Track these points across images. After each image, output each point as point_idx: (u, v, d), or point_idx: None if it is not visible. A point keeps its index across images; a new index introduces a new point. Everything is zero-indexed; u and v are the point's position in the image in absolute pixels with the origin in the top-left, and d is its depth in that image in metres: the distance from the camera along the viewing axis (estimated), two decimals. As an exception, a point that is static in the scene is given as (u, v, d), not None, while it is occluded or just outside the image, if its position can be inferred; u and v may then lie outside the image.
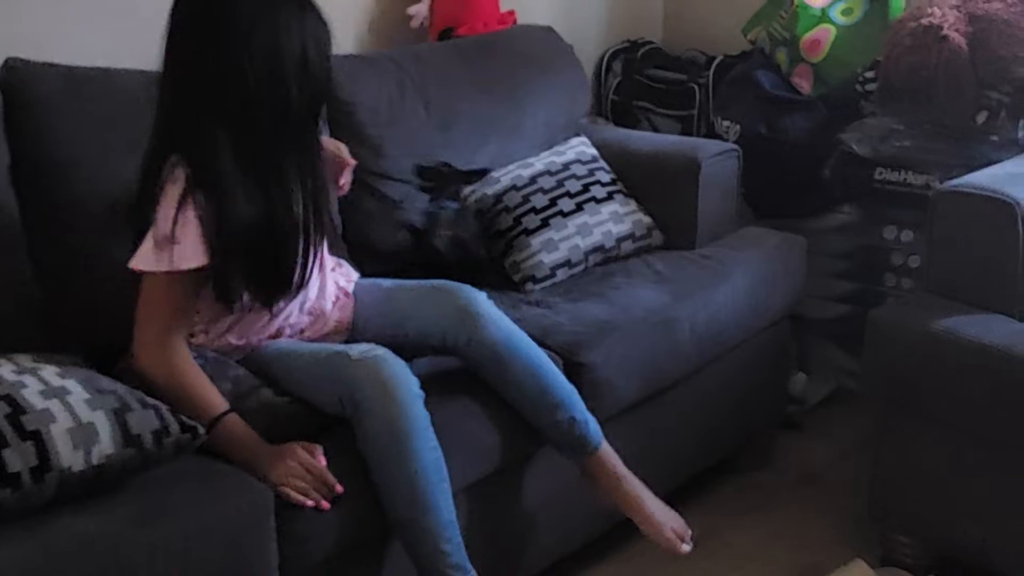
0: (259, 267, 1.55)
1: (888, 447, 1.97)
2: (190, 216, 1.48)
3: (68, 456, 1.29)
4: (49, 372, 1.39)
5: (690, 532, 1.75)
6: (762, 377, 2.32)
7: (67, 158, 1.74)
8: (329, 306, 1.76)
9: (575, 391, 1.74)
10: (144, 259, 1.50)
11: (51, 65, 1.79)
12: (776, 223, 2.49)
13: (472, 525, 1.66)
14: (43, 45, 1.85)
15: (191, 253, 1.48)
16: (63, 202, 1.73)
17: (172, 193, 1.49)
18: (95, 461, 1.31)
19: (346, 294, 1.81)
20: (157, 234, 1.49)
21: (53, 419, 1.31)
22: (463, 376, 1.73)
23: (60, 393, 1.35)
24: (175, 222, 1.48)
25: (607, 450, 1.74)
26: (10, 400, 1.31)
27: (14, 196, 1.71)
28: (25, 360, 1.45)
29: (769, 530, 2.18)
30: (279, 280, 1.58)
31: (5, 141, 1.71)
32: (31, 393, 1.33)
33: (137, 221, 1.55)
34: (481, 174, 2.26)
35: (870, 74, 2.51)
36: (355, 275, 1.87)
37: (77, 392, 1.36)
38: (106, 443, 1.33)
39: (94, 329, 1.71)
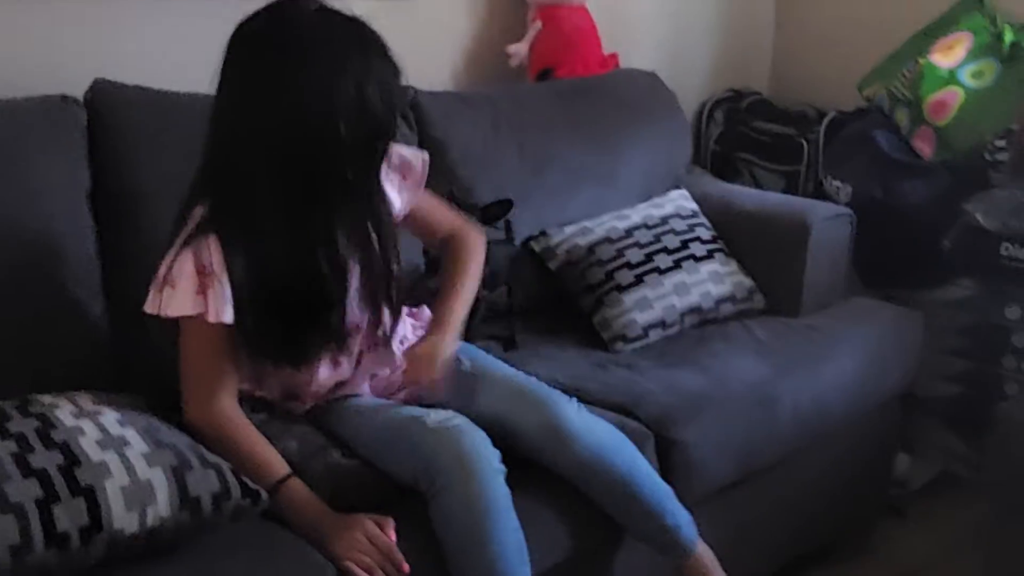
0: (286, 323, 1.42)
1: (1006, 554, 1.78)
2: (187, 262, 1.37)
3: (121, 517, 1.20)
4: (109, 418, 1.30)
5: None
6: (866, 461, 2.15)
7: (149, 188, 1.67)
8: (399, 372, 1.60)
9: (669, 493, 1.59)
10: (148, 301, 1.41)
11: (141, 88, 1.74)
12: (887, 293, 2.32)
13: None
14: (128, 65, 1.79)
15: (182, 301, 1.38)
16: (141, 234, 1.66)
17: (186, 231, 1.40)
18: (149, 524, 1.22)
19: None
20: (158, 274, 1.40)
21: (109, 474, 1.21)
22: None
23: (119, 444, 1.25)
24: (170, 266, 1.38)
25: (703, 554, 1.60)
26: (66, 449, 1.22)
27: (92, 223, 1.65)
28: (86, 401, 1.36)
29: (866, 632, 2.00)
30: (300, 340, 1.44)
31: (87, 165, 1.65)
32: (88, 442, 1.24)
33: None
34: (504, 206, 1.99)
35: (1000, 142, 2.34)
36: (427, 314, 1.72)
37: (136, 444, 1.26)
38: (162, 505, 1.23)
39: (162, 369, 1.62)
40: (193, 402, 1.44)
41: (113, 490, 1.20)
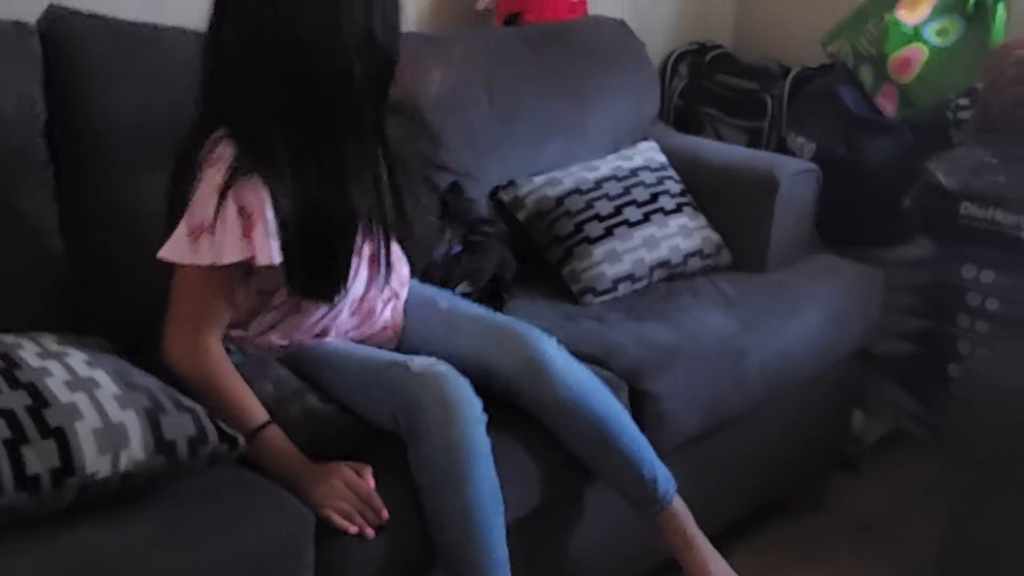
0: (308, 260, 1.40)
1: (964, 509, 1.82)
2: (231, 206, 1.33)
3: (93, 460, 1.15)
4: (77, 359, 1.25)
5: None
6: (825, 416, 2.18)
7: (108, 122, 1.60)
8: (379, 304, 1.61)
9: (646, 444, 1.59)
10: (176, 250, 1.35)
11: (96, 17, 1.65)
12: (845, 250, 2.34)
13: (516, 561, 1.51)
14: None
15: (231, 247, 1.33)
16: (102, 171, 1.59)
17: (213, 177, 1.34)
18: (122, 468, 1.17)
19: (396, 296, 1.66)
20: (192, 222, 1.34)
21: (80, 416, 1.16)
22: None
23: (88, 386, 1.20)
24: (216, 212, 1.32)
25: (678, 508, 1.60)
26: (32, 390, 1.17)
27: (48, 157, 1.57)
28: (50, 342, 1.30)
29: (821, 582, 2.03)
30: (329, 276, 1.43)
31: (43, 97, 1.57)
32: (56, 383, 1.19)
33: (171, 202, 1.40)
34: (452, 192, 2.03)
35: (964, 101, 2.35)
36: (406, 272, 1.71)
37: (107, 385, 1.21)
38: (136, 448, 1.18)
39: (126, 310, 1.57)
40: (181, 346, 1.38)
41: (84, 432, 1.15)
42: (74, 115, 1.59)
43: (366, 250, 1.52)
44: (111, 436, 1.16)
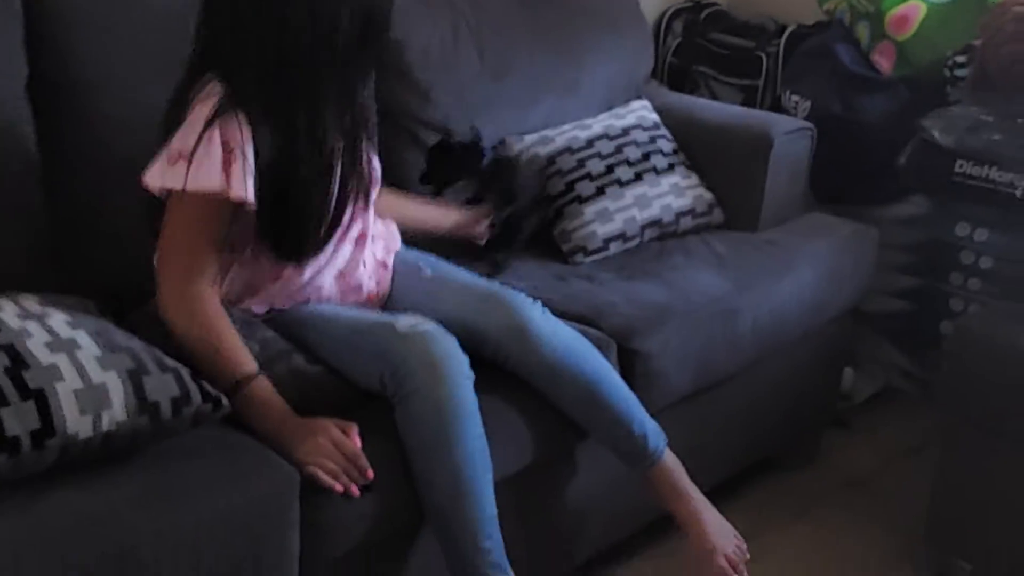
0: (278, 213, 1.39)
1: (955, 466, 1.82)
2: (215, 137, 1.32)
3: (75, 421, 1.14)
4: (58, 320, 1.23)
5: (747, 556, 1.59)
6: (818, 374, 2.17)
7: (91, 78, 1.58)
8: (365, 279, 1.59)
9: (635, 401, 1.58)
10: (154, 175, 1.35)
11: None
12: (839, 209, 2.32)
13: (507, 518, 1.51)
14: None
15: (207, 174, 1.32)
16: (84, 127, 1.56)
17: (201, 111, 1.34)
18: (104, 428, 1.16)
19: (384, 266, 1.64)
20: (172, 149, 1.34)
21: (60, 377, 1.15)
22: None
23: (69, 347, 1.19)
24: (199, 140, 1.32)
25: (669, 461, 1.59)
26: (12, 352, 1.16)
27: (31, 114, 1.54)
28: (31, 302, 1.29)
29: (811, 537, 2.04)
30: (299, 234, 1.42)
31: (24, 52, 1.54)
32: (36, 345, 1.18)
33: (162, 142, 1.39)
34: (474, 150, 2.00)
35: (961, 58, 2.32)
36: (397, 242, 1.70)
37: (88, 347, 1.20)
38: (118, 409, 1.17)
39: (110, 267, 1.56)
40: (174, 287, 1.37)
41: (65, 393, 1.14)
42: (56, 69, 1.56)
43: (355, 230, 1.51)
44: (92, 397, 1.15)
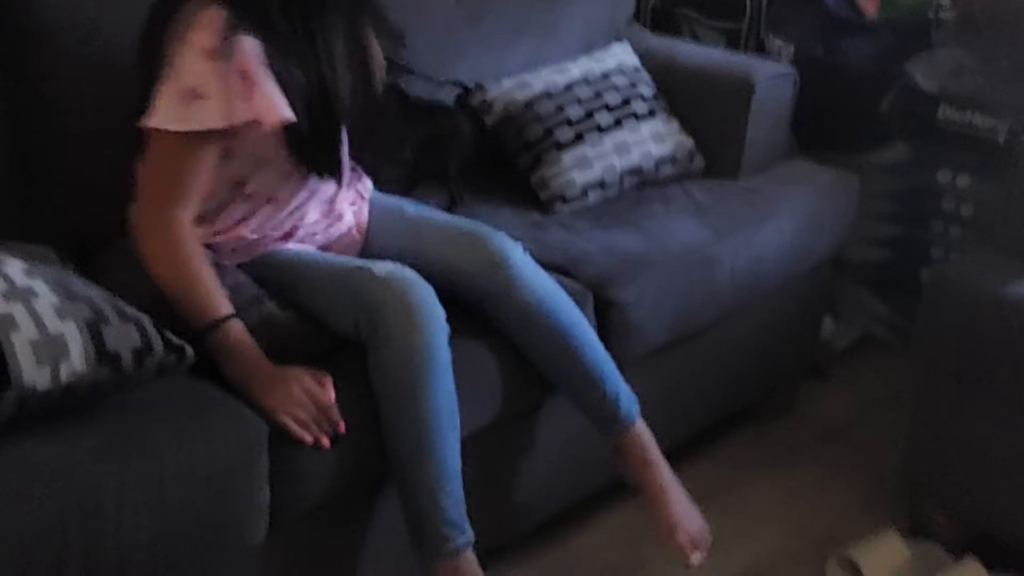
0: (308, 129, 1.37)
1: (931, 415, 1.81)
2: (230, 67, 1.27)
3: (32, 372, 1.11)
4: (15, 268, 1.20)
5: (709, 540, 1.56)
6: (797, 324, 2.16)
7: (55, 21, 1.52)
8: (345, 207, 1.56)
9: (610, 362, 1.55)
10: (166, 116, 1.28)
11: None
12: (822, 155, 2.29)
13: (469, 475, 1.48)
14: None
15: (233, 108, 1.28)
16: (46, 71, 1.51)
17: (200, 40, 1.27)
18: (63, 380, 1.13)
19: (361, 196, 1.61)
20: (180, 86, 1.27)
21: (16, 327, 1.12)
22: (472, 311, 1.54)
23: (25, 296, 1.16)
24: (213, 74, 1.27)
25: (640, 430, 1.56)
26: (-34, 301, 1.12)
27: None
28: (-11, 250, 1.25)
29: (787, 487, 2.04)
30: (327, 148, 1.41)
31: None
32: (-9, 294, 1.14)
33: (143, 71, 1.34)
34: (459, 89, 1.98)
35: (945, 1, 2.28)
36: (369, 182, 1.66)
37: (45, 296, 1.17)
38: (77, 360, 1.14)
39: (77, 214, 1.52)
40: (154, 223, 1.33)
41: (21, 344, 1.11)
42: (20, 11, 1.51)
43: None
44: (50, 348, 1.12)
